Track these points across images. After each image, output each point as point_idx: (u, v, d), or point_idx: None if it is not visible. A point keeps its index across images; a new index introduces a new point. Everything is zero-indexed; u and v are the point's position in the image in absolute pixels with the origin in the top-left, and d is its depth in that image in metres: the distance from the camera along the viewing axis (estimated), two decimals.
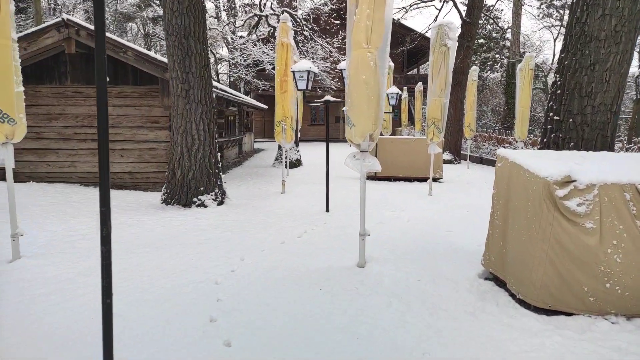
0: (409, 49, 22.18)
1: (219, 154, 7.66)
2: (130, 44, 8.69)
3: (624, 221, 3.14)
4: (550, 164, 3.39)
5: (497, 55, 30.27)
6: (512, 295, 3.59)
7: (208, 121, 7.17)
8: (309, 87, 6.95)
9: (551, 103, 4.63)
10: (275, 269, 4.21)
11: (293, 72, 6.93)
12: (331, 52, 18.58)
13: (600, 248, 3.14)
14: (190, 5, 6.76)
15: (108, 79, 7.93)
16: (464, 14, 16.26)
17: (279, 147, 13.37)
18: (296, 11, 17.49)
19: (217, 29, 20.12)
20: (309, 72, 6.79)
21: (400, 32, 23.08)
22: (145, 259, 4.48)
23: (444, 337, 2.99)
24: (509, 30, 26.20)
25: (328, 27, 19.56)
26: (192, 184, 7.09)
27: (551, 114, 4.60)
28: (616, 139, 4.37)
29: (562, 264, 3.20)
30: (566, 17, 27.08)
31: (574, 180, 3.19)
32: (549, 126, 4.63)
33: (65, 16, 8.41)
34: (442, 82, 8.16)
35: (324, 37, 18.69)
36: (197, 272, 4.09)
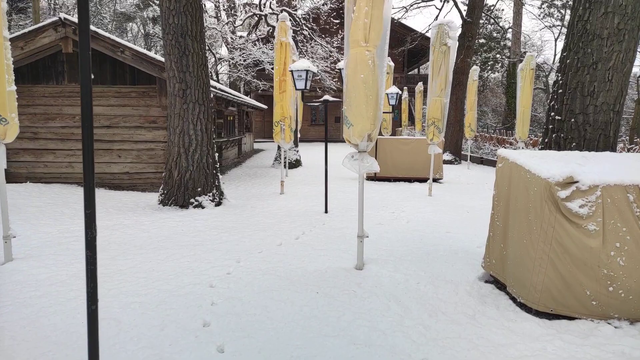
0: (409, 49, 22.09)
1: (216, 154, 7.59)
2: (128, 43, 8.62)
3: (627, 223, 3.07)
4: (551, 164, 3.32)
5: (497, 55, 30.20)
6: (513, 299, 3.51)
7: (206, 121, 7.10)
8: (308, 87, 6.89)
9: (553, 102, 4.56)
10: (272, 272, 4.14)
11: (291, 71, 6.85)
12: (331, 51, 18.50)
13: (603, 251, 3.07)
14: (188, 4, 6.70)
15: (108, 79, 7.84)
16: (464, 13, 16.19)
17: (278, 147, 13.30)
18: (296, 10, 17.42)
19: (216, 28, 20.05)
20: (307, 71, 6.72)
21: (400, 31, 23.02)
22: (141, 261, 4.42)
23: (443, 341, 2.92)
24: (510, 30, 26.12)
25: (327, 27, 19.49)
26: (190, 184, 7.02)
27: (552, 113, 4.52)
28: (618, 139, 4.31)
29: (564, 266, 3.12)
30: (567, 17, 27.02)
31: (576, 182, 3.12)
32: (550, 126, 4.56)
33: (62, 15, 8.35)
34: (442, 82, 8.09)
35: (323, 37, 18.61)
36: (192, 275, 4.02)
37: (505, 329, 3.09)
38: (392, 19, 20.08)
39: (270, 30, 18.02)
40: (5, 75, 3.97)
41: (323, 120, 29.51)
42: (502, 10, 30.48)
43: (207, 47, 22.64)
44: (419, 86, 20.33)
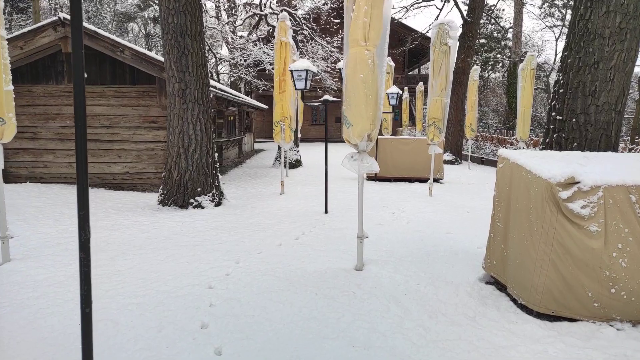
0: (410, 49, 22.07)
1: (216, 154, 7.57)
2: (127, 43, 8.60)
3: (630, 224, 3.04)
4: (553, 164, 3.29)
5: (498, 55, 30.16)
6: (514, 300, 3.48)
7: (205, 121, 7.07)
8: (308, 87, 6.86)
9: (554, 102, 4.53)
10: (271, 272, 4.11)
11: (291, 71, 6.82)
12: (331, 51, 18.47)
13: (605, 252, 3.04)
14: (187, 4, 6.67)
15: (107, 79, 7.81)
16: (465, 13, 16.16)
17: (279, 147, 13.27)
18: (296, 10, 17.38)
19: (216, 28, 20.03)
20: (307, 71, 6.69)
21: (401, 31, 23.00)
22: (140, 262, 4.39)
23: (443, 343, 2.89)
24: (511, 29, 26.07)
25: (328, 27, 19.46)
26: (189, 184, 7.00)
27: (554, 113, 4.49)
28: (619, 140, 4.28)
29: (566, 268, 3.09)
30: (568, 17, 26.98)
31: (578, 182, 3.09)
32: (551, 126, 4.53)
33: (61, 15, 8.33)
34: (442, 82, 8.06)
35: (323, 37, 18.58)
36: (191, 276, 3.99)
37: (506, 331, 3.06)
38: (393, 19, 20.08)
39: (271, 30, 18.00)
40: (3, 75, 3.94)
41: (324, 121, 29.59)
42: (503, 10, 30.45)
43: (208, 47, 22.67)
44: (420, 86, 20.30)
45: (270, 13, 17.30)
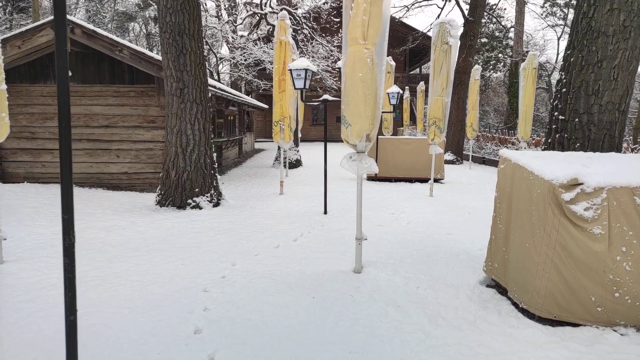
0: (410, 48, 21.96)
1: (215, 154, 7.50)
2: (126, 42, 8.53)
3: (634, 227, 2.97)
4: (555, 165, 3.21)
5: (500, 55, 30.05)
6: (515, 304, 3.41)
7: (203, 121, 7.01)
8: (307, 86, 6.78)
9: (556, 102, 4.45)
10: (268, 275, 4.04)
11: (290, 70, 6.75)
12: (331, 50, 18.39)
13: (609, 255, 2.96)
14: (185, 2, 6.60)
15: (106, 78, 7.75)
16: (466, 12, 16.07)
17: (279, 147, 13.21)
18: (296, 9, 17.30)
19: (216, 27, 19.96)
20: (306, 70, 6.62)
21: (401, 31, 22.90)
22: (135, 264, 4.33)
23: (443, 348, 2.82)
24: (512, 29, 25.96)
25: (328, 26, 19.36)
26: (187, 185, 6.93)
27: (556, 113, 4.41)
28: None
29: (568, 271, 3.02)
30: (570, 16, 26.87)
31: (581, 183, 3.01)
32: (553, 126, 4.45)
33: None
34: (443, 81, 7.98)
35: (324, 36, 18.50)
36: (186, 278, 3.93)
37: (507, 336, 2.98)
38: (394, 18, 19.99)
39: (271, 29, 17.92)
40: None
41: (324, 120, 29.49)
42: (505, 9, 30.45)
43: (208, 47, 22.62)
44: (421, 86, 20.21)
45: (270, 12, 17.22)
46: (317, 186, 9.36)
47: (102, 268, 4.16)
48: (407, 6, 18.72)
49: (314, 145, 23.31)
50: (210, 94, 9.21)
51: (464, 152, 16.04)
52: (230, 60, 20.55)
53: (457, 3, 16.77)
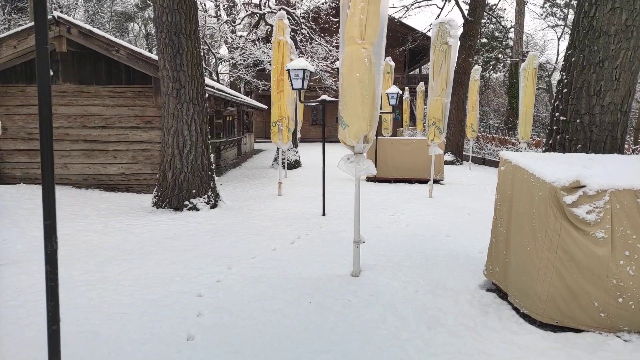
0: (410, 49, 21.91)
1: (213, 155, 7.43)
2: (123, 42, 8.46)
3: (638, 230, 2.89)
4: (556, 167, 3.14)
5: (499, 55, 29.99)
6: (516, 309, 3.33)
7: (200, 121, 6.93)
8: (305, 87, 6.70)
9: (557, 102, 4.38)
10: (264, 279, 3.97)
11: (288, 70, 6.67)
12: (330, 50, 18.32)
13: (612, 259, 2.89)
14: (182, 2, 6.53)
15: (103, 79, 7.66)
16: (466, 12, 16.01)
17: (277, 147, 13.14)
18: (295, 9, 17.23)
19: (214, 27, 19.89)
20: (304, 70, 6.54)
21: (401, 31, 22.84)
22: (128, 267, 4.25)
23: (442, 356, 2.75)
24: (512, 29, 25.89)
25: (327, 26, 19.30)
26: (184, 186, 6.85)
27: (557, 114, 4.34)
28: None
29: (571, 276, 2.94)
30: (570, 16, 26.82)
31: (583, 186, 2.93)
32: (554, 127, 4.38)
33: (56, 13, 8.19)
34: (443, 82, 7.91)
35: (323, 36, 18.43)
36: (180, 282, 3.85)
37: (508, 342, 2.91)
38: (393, 19, 19.90)
39: (270, 30, 17.86)
40: None
41: (322, 121, 29.47)
42: (504, 9, 30.41)
43: (207, 48, 22.54)
44: (420, 86, 20.15)
45: (269, 12, 17.15)
46: (316, 187, 9.29)
47: (94, 272, 4.08)
48: (406, 6, 18.66)
49: (314, 146, 23.24)
50: (207, 95, 9.14)
51: (463, 153, 15.97)
52: (230, 61, 20.47)
53: (457, 3, 16.71)
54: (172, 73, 6.67)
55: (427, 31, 20.02)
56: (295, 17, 16.10)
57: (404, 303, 3.50)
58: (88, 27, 8.30)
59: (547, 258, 3.01)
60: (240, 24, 21.27)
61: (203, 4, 20.83)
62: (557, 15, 29.60)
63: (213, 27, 19.88)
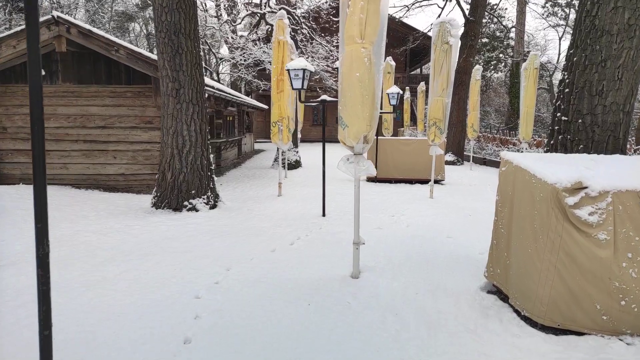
0: (411, 49, 21.85)
1: (213, 155, 7.40)
2: (122, 42, 8.43)
3: None
4: (558, 168, 3.10)
5: (500, 55, 29.92)
6: (517, 312, 3.30)
7: (200, 122, 6.90)
8: (305, 87, 6.67)
9: (559, 102, 4.34)
10: (262, 281, 3.93)
11: (288, 70, 6.64)
12: (331, 50, 18.28)
13: (615, 262, 2.85)
14: (181, 1, 6.49)
15: (102, 79, 7.64)
16: (467, 12, 15.96)
17: (278, 148, 13.12)
18: (295, 9, 17.19)
19: (214, 27, 19.86)
20: (304, 70, 6.51)
21: (402, 31, 22.79)
22: (126, 269, 4.22)
23: (442, 356, 2.71)
24: (513, 29, 25.83)
25: (327, 25, 19.27)
26: (183, 187, 6.82)
27: (559, 114, 4.30)
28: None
29: (572, 278, 2.91)
30: (572, 16, 26.76)
31: (585, 187, 2.90)
32: (556, 127, 4.34)
33: (55, 13, 8.17)
34: (444, 81, 7.87)
35: (323, 36, 18.39)
36: (178, 284, 3.82)
37: (509, 345, 2.88)
38: (394, 18, 19.86)
39: (270, 29, 17.83)
40: None
41: (322, 121, 29.44)
42: (506, 9, 30.35)
43: (208, 48, 22.51)
44: (421, 86, 20.11)
45: (269, 12, 17.11)
46: (316, 187, 9.25)
47: (92, 273, 4.05)
48: (407, 6, 18.61)
49: (314, 146, 23.20)
50: (207, 95, 9.11)
51: (464, 153, 15.93)
52: (230, 61, 20.45)
53: (458, 3, 16.67)
54: (171, 73, 6.64)
55: (428, 31, 19.97)
56: (296, 17, 16.07)
57: (404, 305, 3.47)
58: (87, 26, 8.27)
59: (548, 260, 2.98)
60: (240, 23, 21.24)
61: (203, 4, 20.80)
62: (559, 14, 29.55)
63: (213, 27, 19.84)
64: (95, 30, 8.29)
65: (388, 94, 10.27)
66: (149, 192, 8.66)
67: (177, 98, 6.69)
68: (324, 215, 6.75)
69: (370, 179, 10.68)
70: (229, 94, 12.61)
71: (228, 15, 21.60)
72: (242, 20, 21.03)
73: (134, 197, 8.21)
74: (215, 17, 23.07)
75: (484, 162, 15.93)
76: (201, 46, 7.70)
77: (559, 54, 32.00)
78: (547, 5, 29.28)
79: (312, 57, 18.02)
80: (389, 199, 8.23)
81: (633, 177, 3.00)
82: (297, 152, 13.82)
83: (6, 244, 4.88)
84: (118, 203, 7.53)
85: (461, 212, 7.14)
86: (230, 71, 21.98)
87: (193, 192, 6.86)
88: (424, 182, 10.00)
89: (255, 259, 4.54)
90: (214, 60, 21.64)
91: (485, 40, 29.33)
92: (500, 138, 15.76)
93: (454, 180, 11.04)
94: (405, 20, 23.54)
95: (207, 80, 10.85)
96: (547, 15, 29.96)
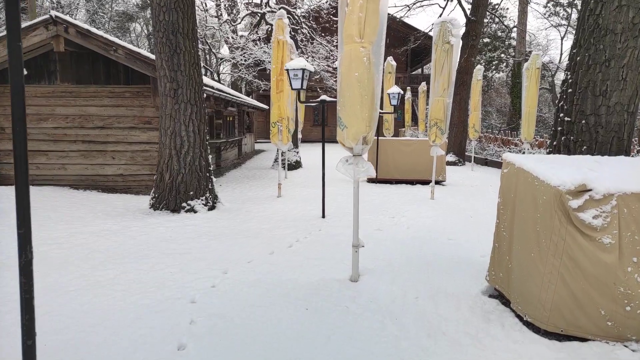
0: (412, 49, 21.78)
1: (210, 156, 7.33)
2: (121, 42, 8.37)
3: None
4: (561, 170, 3.03)
5: (502, 55, 29.80)
6: (519, 317, 3.22)
7: (198, 122, 6.83)
8: (304, 86, 6.60)
9: (561, 103, 4.26)
10: (260, 284, 3.86)
11: (287, 70, 6.58)
12: (331, 50, 18.21)
13: (620, 266, 2.78)
14: (179, 0, 6.43)
15: (101, 79, 7.57)
16: (468, 12, 15.88)
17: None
18: (295, 9, 17.12)
19: (214, 27, 19.81)
20: (303, 70, 6.44)
21: (403, 30, 22.74)
22: (122, 271, 4.15)
23: None
24: (515, 28, 25.73)
25: (328, 25, 19.20)
26: (182, 188, 6.76)
27: (562, 114, 4.22)
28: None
29: (576, 283, 2.84)
30: (574, 16, 26.65)
31: (590, 190, 2.82)
32: (559, 128, 4.26)
33: (53, 13, 8.11)
34: (445, 81, 7.80)
35: (323, 36, 18.32)
36: (174, 288, 3.75)
37: (512, 352, 2.80)
38: (395, 18, 19.80)
39: (270, 29, 17.77)
40: None
41: (326, 121, 29.39)
42: (507, 9, 30.23)
43: (209, 48, 22.45)
44: (422, 86, 20.03)
45: (269, 12, 17.05)
46: (316, 188, 9.18)
47: (87, 276, 3.99)
48: (408, 5, 18.53)
49: (315, 146, 23.12)
50: (207, 95, 9.05)
51: (466, 154, 15.85)
52: (231, 61, 20.39)
53: (459, 2, 16.58)
54: (169, 73, 6.58)
55: (429, 31, 19.88)
56: (296, 17, 16.00)
57: (404, 310, 3.40)
58: (86, 26, 8.21)
59: (551, 264, 2.90)
60: (240, 23, 21.19)
61: (204, 4, 20.76)
62: (561, 14, 29.44)
63: (214, 27, 19.79)
64: (93, 30, 8.23)
65: (389, 94, 10.20)
66: (147, 193, 8.60)
67: (175, 98, 6.63)
68: (323, 216, 6.68)
69: (371, 180, 10.60)
70: (229, 94, 12.54)
71: (228, 15, 21.55)
72: (242, 20, 20.97)
73: (132, 198, 8.15)
74: (215, 17, 23.02)
75: (485, 162, 15.84)
76: (201, 46, 7.63)
77: (561, 54, 31.91)
78: (549, 5, 29.18)
79: (313, 57, 17.96)
80: (389, 200, 8.16)
81: (638, 180, 2.93)
82: (298, 152, 13.75)
83: (3, 246, 4.81)
84: (116, 204, 7.47)
85: (462, 213, 7.06)
86: (231, 71, 21.94)
87: (191, 193, 6.79)
88: (425, 182, 9.93)
89: (252, 262, 4.48)
90: (215, 60, 21.58)
91: (486, 40, 29.23)
92: (502, 138, 15.67)
93: (455, 181, 10.97)
94: (406, 20, 23.49)
95: (207, 80, 10.79)
96: (549, 15, 29.86)
